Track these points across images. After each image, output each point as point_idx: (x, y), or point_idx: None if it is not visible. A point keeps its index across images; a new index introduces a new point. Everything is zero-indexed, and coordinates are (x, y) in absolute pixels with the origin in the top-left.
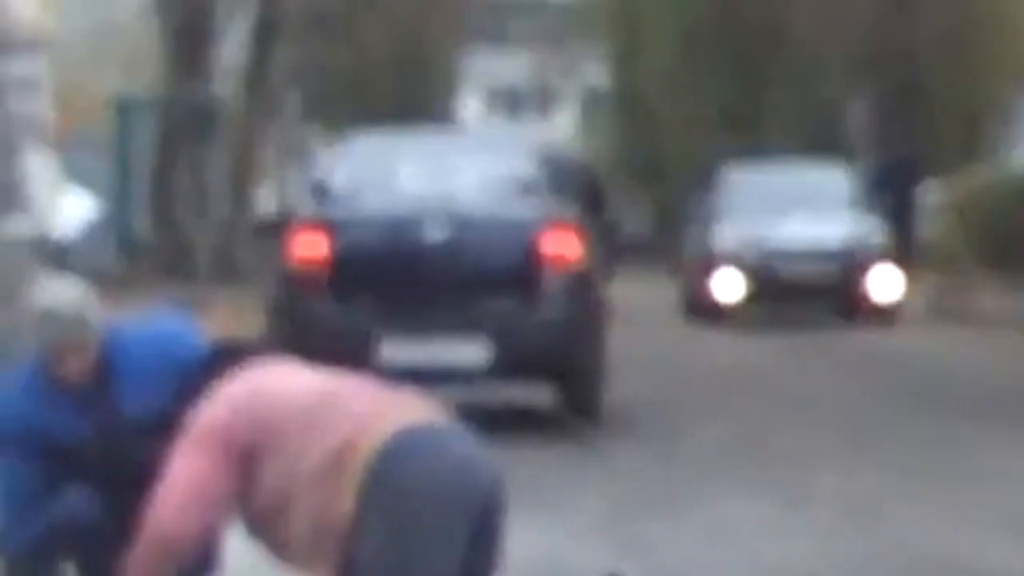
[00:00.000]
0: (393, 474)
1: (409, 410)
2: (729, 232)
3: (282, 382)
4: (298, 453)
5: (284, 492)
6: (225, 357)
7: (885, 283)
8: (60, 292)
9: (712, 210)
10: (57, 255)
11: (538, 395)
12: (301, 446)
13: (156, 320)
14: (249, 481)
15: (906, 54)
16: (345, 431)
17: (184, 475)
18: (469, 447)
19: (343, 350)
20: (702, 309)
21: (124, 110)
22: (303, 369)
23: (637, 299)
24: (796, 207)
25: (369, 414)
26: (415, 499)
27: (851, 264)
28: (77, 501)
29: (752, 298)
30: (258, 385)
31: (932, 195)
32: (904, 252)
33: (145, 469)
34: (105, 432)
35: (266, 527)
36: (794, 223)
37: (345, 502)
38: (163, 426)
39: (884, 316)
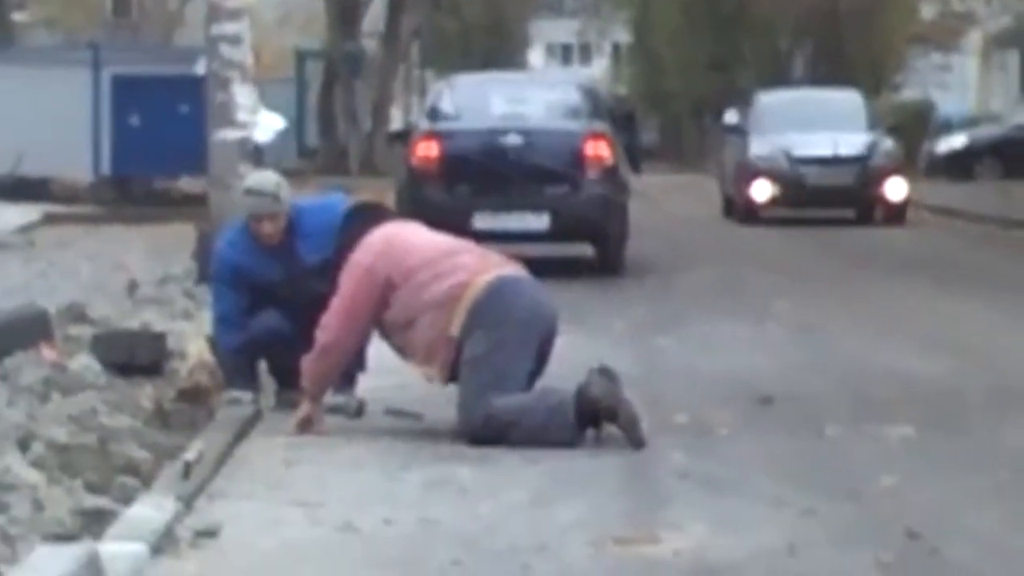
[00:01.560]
0: (495, 303)
1: (503, 265)
2: (763, 145)
3: (411, 236)
4: (423, 286)
5: (410, 312)
6: (359, 212)
7: (898, 189)
8: (262, 177)
9: (748, 126)
10: (255, 155)
11: (582, 250)
12: (426, 282)
13: (323, 198)
14: (386, 304)
15: (833, 21)
16: (460, 276)
17: (343, 301)
18: (541, 292)
19: (448, 220)
20: (739, 209)
21: (301, 58)
22: (424, 229)
23: (678, 200)
24: (820, 125)
25: (477, 265)
26: (509, 320)
27: (867, 172)
28: (271, 319)
29: (782, 200)
30: (392, 236)
31: None
32: None
33: (317, 299)
34: (291, 274)
35: (395, 335)
36: (818, 138)
37: (457, 321)
38: (329, 269)
39: (898, 215)
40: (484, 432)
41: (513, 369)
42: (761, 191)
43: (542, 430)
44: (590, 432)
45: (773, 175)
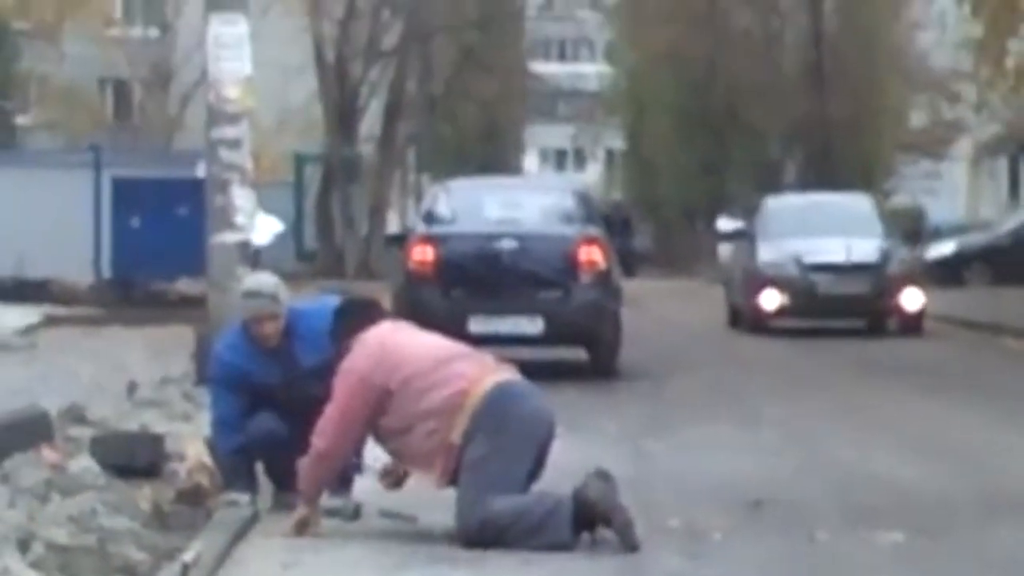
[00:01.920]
0: (494, 410)
1: (499, 370)
2: (771, 251)
3: (405, 340)
4: (420, 394)
5: (407, 419)
6: (350, 308)
7: (914, 299)
8: (261, 279)
9: (755, 232)
10: (253, 258)
11: (576, 354)
12: (423, 390)
13: (319, 302)
14: (382, 411)
15: (823, 128)
16: (459, 384)
17: (338, 407)
18: (539, 397)
19: (444, 324)
20: (746, 319)
21: (299, 162)
22: (417, 331)
23: (670, 305)
24: (831, 230)
25: (475, 372)
26: (510, 426)
27: (882, 281)
28: (268, 422)
29: (792, 310)
30: (386, 340)
31: None
32: None
33: (314, 401)
34: (288, 376)
35: (390, 440)
36: (830, 244)
37: (459, 429)
38: (327, 372)
39: (914, 326)
40: (481, 535)
41: (512, 472)
42: (770, 300)
43: (539, 532)
44: (585, 535)
45: (783, 283)
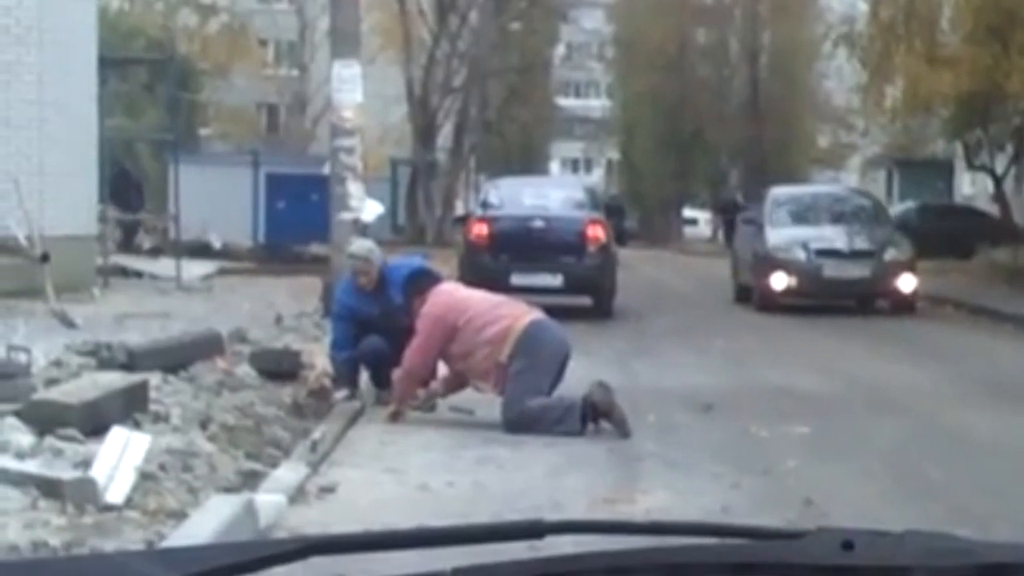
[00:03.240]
0: (531, 339)
1: (531, 312)
2: (780, 237)
3: (464, 294)
4: (479, 330)
5: (469, 346)
6: (419, 273)
7: (909, 282)
8: (359, 245)
9: (762, 219)
10: (362, 230)
11: (583, 301)
12: (482, 327)
13: (408, 259)
14: (451, 340)
15: (759, 146)
16: (505, 321)
17: (421, 340)
18: (560, 330)
19: (493, 278)
20: (757, 298)
21: (394, 164)
22: (466, 288)
23: (649, 266)
24: (834, 220)
25: (515, 313)
26: (540, 350)
27: (881, 266)
28: (372, 342)
29: (798, 291)
30: (452, 293)
31: None
32: None
33: (403, 328)
34: (384, 311)
35: (456, 363)
36: (834, 232)
37: (506, 352)
38: (410, 307)
39: (908, 306)
40: (518, 424)
41: (540, 382)
42: (779, 281)
43: (558, 423)
44: (591, 426)
45: (791, 267)
